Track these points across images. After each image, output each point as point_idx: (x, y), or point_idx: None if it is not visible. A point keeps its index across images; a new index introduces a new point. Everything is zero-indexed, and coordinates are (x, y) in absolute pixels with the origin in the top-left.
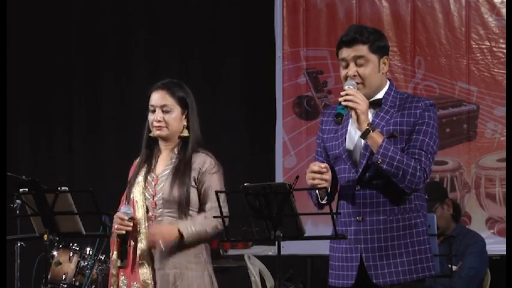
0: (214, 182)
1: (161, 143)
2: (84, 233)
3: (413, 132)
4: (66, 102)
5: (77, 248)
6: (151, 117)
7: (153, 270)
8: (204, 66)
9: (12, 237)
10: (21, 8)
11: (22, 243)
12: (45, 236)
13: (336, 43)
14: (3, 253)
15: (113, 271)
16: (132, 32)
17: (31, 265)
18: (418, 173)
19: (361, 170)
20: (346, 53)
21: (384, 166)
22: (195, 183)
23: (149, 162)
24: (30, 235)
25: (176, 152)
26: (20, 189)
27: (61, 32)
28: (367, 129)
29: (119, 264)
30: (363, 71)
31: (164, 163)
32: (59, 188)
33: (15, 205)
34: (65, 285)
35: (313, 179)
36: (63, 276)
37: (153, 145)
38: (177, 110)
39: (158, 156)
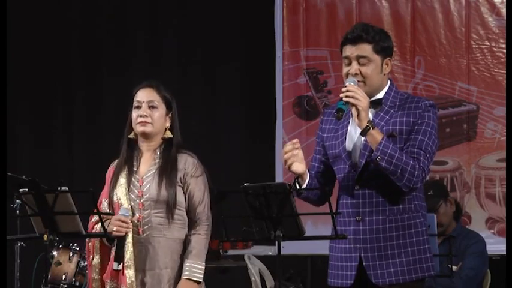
0: (199, 185)
1: (143, 144)
2: (84, 233)
3: (413, 132)
4: (66, 102)
5: (77, 248)
6: (135, 113)
7: (139, 272)
8: (204, 66)
9: (12, 237)
10: (21, 7)
11: (22, 243)
12: (45, 236)
13: (336, 43)
14: (3, 253)
15: (95, 276)
16: (132, 32)
17: (31, 265)
18: (416, 172)
19: (360, 169)
20: (349, 50)
21: (383, 164)
22: (181, 183)
23: (130, 164)
24: (30, 235)
25: (159, 153)
26: (20, 189)
27: (61, 32)
28: (367, 126)
29: (115, 267)
30: (364, 70)
31: (147, 164)
32: (59, 188)
33: (15, 205)
34: (65, 285)
35: (288, 158)
36: (63, 276)
37: (133, 146)
38: (162, 109)
39: (140, 158)
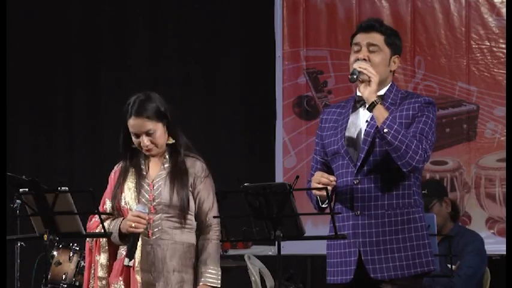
0: (208, 188)
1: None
2: (84, 233)
3: (413, 124)
4: (66, 102)
5: (77, 248)
6: (136, 139)
7: (146, 274)
8: (204, 66)
9: (12, 237)
10: (21, 7)
11: (22, 243)
12: (45, 236)
13: (336, 43)
14: (3, 253)
15: (101, 274)
16: (132, 32)
17: (31, 265)
18: (420, 151)
19: (359, 163)
20: (361, 38)
21: (389, 137)
22: (191, 187)
23: (138, 168)
24: (30, 235)
25: (167, 157)
26: (20, 189)
27: (61, 32)
28: (375, 100)
29: (126, 263)
30: (373, 58)
31: (156, 168)
32: (59, 188)
33: (15, 205)
34: (65, 285)
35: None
36: (63, 276)
37: (137, 152)
38: (159, 128)
39: (148, 162)
